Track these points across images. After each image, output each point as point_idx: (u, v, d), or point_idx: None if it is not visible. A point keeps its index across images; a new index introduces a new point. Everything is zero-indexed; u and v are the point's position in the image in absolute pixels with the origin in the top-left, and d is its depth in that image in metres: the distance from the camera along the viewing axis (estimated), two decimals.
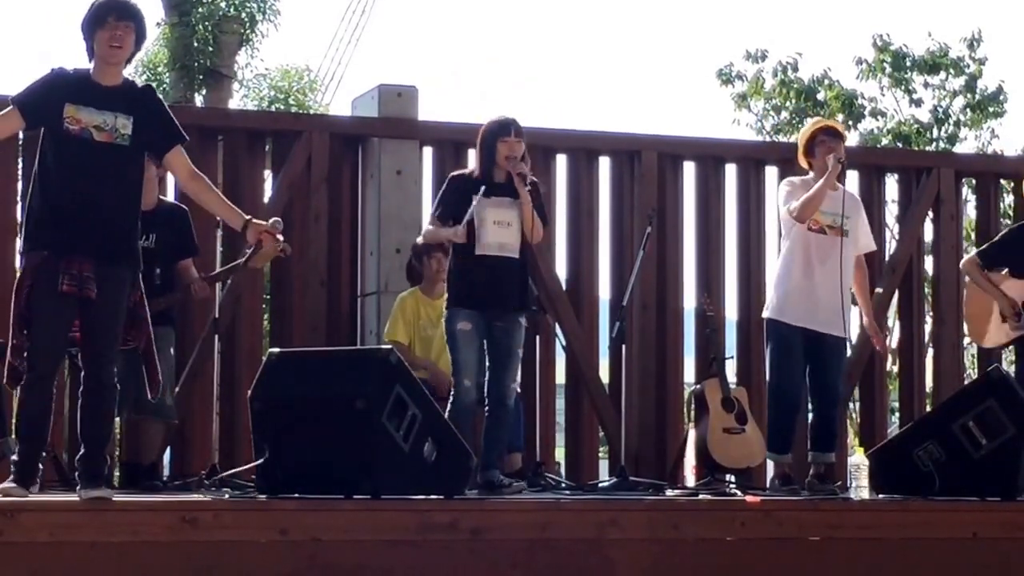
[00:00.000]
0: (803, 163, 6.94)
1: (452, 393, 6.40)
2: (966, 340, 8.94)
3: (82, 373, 5.40)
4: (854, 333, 9.31)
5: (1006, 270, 7.19)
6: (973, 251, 7.50)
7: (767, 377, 7.02)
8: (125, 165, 5.37)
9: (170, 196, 7.36)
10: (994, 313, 7.17)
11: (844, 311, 6.74)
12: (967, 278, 7.42)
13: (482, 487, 6.31)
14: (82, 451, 5.36)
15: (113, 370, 5.36)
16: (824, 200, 6.71)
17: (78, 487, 5.31)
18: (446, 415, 6.25)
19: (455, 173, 6.72)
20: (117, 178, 5.35)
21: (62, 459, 6.82)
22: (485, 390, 6.54)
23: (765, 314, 6.93)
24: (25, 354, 5.27)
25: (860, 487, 6.47)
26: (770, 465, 7.45)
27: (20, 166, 7.45)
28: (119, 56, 5.37)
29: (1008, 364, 8.96)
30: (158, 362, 5.57)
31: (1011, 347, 7.30)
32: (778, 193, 6.97)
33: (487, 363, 6.53)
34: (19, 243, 5.88)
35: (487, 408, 6.48)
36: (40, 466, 5.42)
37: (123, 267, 5.37)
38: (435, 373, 7.14)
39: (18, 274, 5.51)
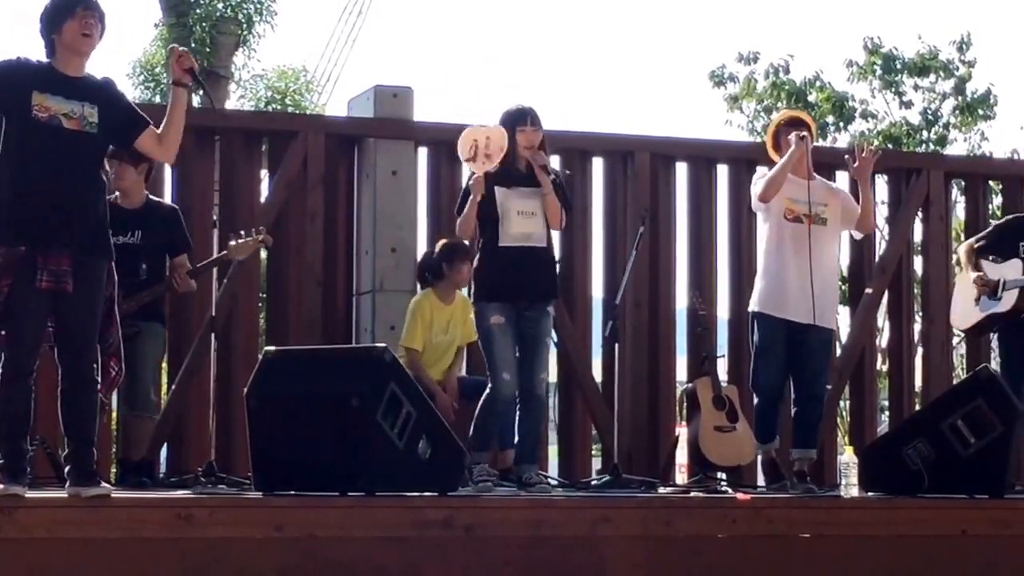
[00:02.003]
0: (774, 158, 6.89)
1: (490, 387, 6.39)
2: (955, 339, 9.01)
3: (60, 370, 5.35)
4: (844, 333, 9.41)
5: (997, 259, 7.28)
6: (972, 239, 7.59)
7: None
8: (94, 154, 5.33)
9: (167, 198, 7.45)
10: (972, 294, 7.25)
11: (816, 300, 6.63)
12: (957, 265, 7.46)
13: (518, 483, 6.35)
14: (70, 448, 5.32)
15: (92, 364, 5.32)
16: (790, 185, 6.63)
17: (68, 484, 5.27)
18: (481, 410, 6.33)
19: None
20: (88, 166, 5.30)
21: (58, 455, 6.86)
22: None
23: (750, 308, 6.92)
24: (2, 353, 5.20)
25: (850, 485, 6.52)
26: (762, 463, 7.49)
27: None
28: (90, 45, 5.32)
29: (996, 363, 9.02)
30: (123, 363, 5.52)
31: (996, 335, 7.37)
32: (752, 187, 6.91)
33: (517, 355, 6.53)
34: None
35: (518, 401, 6.49)
36: (28, 463, 5.39)
37: (99, 259, 5.32)
38: (440, 397, 7.10)
39: None
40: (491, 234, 6.45)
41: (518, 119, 6.47)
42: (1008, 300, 7.17)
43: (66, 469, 5.34)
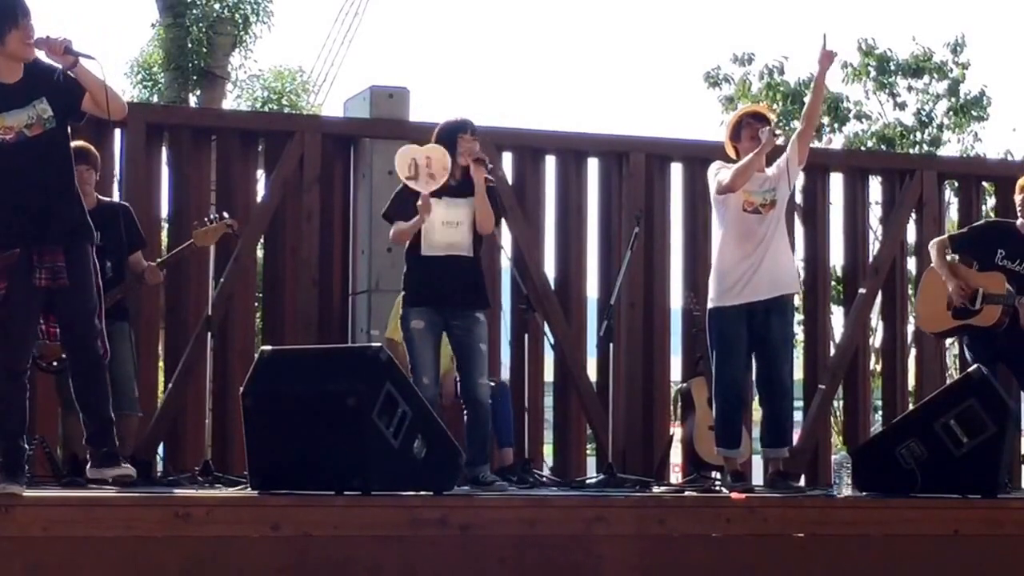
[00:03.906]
0: (729, 150, 6.79)
1: None
2: (947, 340, 9.02)
3: (68, 357, 5.43)
4: (838, 333, 9.44)
5: (975, 265, 7.24)
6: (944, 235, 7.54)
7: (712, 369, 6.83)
8: (58, 144, 5.36)
9: (164, 197, 7.48)
10: (944, 299, 7.21)
11: (777, 275, 6.63)
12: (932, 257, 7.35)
13: (468, 482, 6.40)
14: (90, 430, 5.39)
15: (98, 345, 5.38)
16: (753, 179, 6.60)
17: (89, 467, 5.35)
18: None
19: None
20: (60, 159, 5.36)
21: (56, 455, 6.89)
22: (458, 388, 6.68)
23: (709, 306, 6.77)
24: None
25: (843, 484, 6.54)
26: (756, 462, 7.51)
27: None
28: (33, 53, 5.32)
29: (957, 368, 9.02)
30: (107, 342, 5.50)
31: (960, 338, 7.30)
32: (709, 178, 6.83)
33: (455, 364, 6.67)
34: None
35: (464, 408, 6.60)
36: (26, 461, 5.43)
37: (86, 241, 5.39)
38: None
39: None
40: (415, 242, 6.56)
41: (459, 128, 6.61)
42: (990, 314, 7.10)
43: (87, 452, 5.42)
